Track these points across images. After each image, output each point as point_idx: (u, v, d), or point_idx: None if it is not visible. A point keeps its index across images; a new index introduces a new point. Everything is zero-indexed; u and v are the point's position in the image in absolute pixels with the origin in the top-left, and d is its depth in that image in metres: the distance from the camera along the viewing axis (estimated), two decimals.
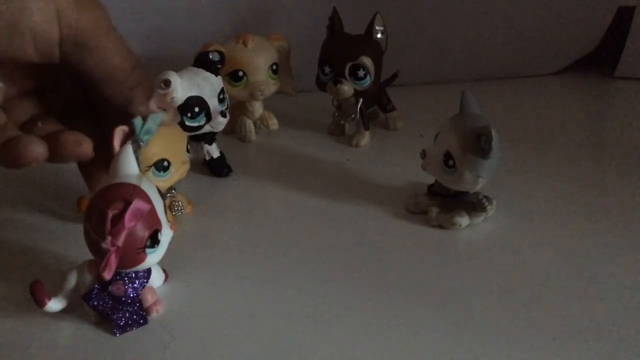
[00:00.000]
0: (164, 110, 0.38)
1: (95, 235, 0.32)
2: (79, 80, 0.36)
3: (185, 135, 0.47)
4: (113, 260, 0.32)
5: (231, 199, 0.52)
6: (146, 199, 0.34)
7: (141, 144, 0.40)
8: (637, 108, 0.71)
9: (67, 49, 0.33)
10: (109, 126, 0.36)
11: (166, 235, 0.36)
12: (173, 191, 0.47)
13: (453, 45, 0.75)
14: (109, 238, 0.32)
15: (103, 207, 0.32)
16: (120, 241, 0.32)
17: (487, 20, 0.75)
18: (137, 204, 0.32)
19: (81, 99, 0.39)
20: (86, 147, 0.34)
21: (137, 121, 0.40)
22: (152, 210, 0.34)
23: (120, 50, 0.34)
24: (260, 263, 0.43)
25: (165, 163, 0.43)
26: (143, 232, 0.34)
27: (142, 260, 0.34)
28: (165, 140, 0.42)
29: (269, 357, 0.34)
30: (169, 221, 0.36)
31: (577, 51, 0.80)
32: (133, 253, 0.34)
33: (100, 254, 0.33)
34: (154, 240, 0.34)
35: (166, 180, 0.44)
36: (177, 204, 0.47)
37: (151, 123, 0.40)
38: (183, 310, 0.38)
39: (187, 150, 0.46)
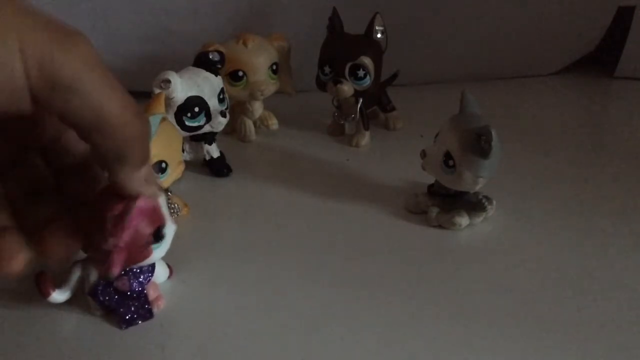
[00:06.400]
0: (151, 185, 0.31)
1: (98, 235, 0.32)
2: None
3: (180, 136, 0.47)
4: (117, 258, 0.32)
5: (231, 199, 0.52)
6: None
7: None
8: (637, 108, 0.71)
9: (43, 94, 0.25)
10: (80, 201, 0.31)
11: (170, 229, 0.36)
12: (169, 193, 0.47)
13: (453, 45, 0.75)
14: (111, 237, 0.32)
15: (105, 206, 0.32)
16: (123, 240, 0.32)
17: (487, 20, 0.74)
18: (139, 202, 0.32)
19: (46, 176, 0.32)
20: (16, 264, 0.27)
21: None
22: (156, 207, 0.34)
23: (115, 91, 0.26)
24: (259, 262, 0.43)
25: (163, 165, 0.43)
26: (147, 229, 0.33)
27: (147, 255, 0.34)
28: (163, 142, 0.42)
29: (267, 356, 0.34)
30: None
31: (577, 51, 0.80)
32: (138, 249, 0.34)
33: (103, 254, 0.33)
34: (158, 236, 0.34)
35: (163, 181, 0.44)
36: (173, 206, 0.47)
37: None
38: (182, 310, 0.38)
39: (182, 150, 0.46)
